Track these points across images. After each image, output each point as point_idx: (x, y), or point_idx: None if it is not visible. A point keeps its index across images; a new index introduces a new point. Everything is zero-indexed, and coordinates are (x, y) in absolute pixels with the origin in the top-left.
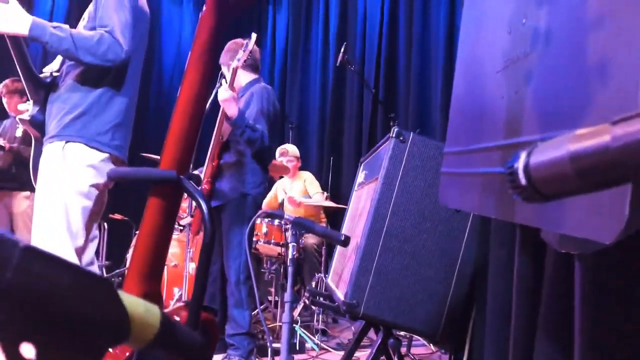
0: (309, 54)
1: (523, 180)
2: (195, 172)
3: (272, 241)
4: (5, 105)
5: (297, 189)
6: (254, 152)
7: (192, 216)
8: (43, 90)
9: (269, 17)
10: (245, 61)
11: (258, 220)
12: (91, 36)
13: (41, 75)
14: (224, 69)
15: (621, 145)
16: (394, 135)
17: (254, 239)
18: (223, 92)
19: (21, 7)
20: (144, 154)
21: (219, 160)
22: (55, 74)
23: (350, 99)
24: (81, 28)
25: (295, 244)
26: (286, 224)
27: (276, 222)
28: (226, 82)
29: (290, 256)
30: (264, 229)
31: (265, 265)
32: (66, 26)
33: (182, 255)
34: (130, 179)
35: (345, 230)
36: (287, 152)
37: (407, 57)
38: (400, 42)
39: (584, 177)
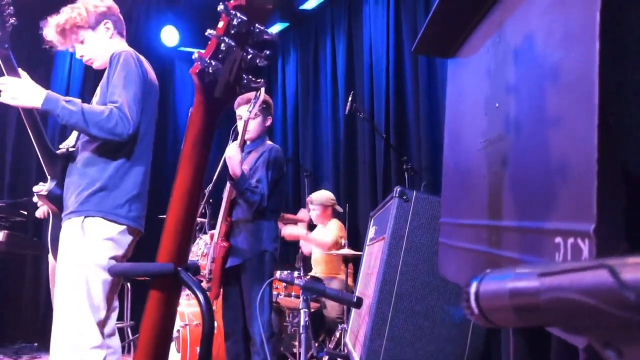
0: (319, 104)
1: (474, 307)
2: (212, 231)
3: (293, 294)
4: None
5: (321, 238)
6: (253, 213)
7: (209, 280)
8: (59, 165)
9: (278, 70)
10: (256, 113)
11: (277, 273)
12: (101, 111)
13: (58, 151)
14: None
15: (548, 298)
16: (397, 195)
17: (274, 292)
18: (231, 150)
19: (33, 82)
20: (162, 216)
21: (231, 218)
22: (71, 149)
23: (362, 145)
24: (94, 103)
25: (306, 310)
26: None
27: (295, 274)
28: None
29: (302, 322)
30: (284, 283)
31: (287, 318)
32: (78, 100)
33: None
34: (130, 274)
35: (359, 287)
36: (311, 201)
37: (415, 101)
38: (407, 87)
39: (520, 314)
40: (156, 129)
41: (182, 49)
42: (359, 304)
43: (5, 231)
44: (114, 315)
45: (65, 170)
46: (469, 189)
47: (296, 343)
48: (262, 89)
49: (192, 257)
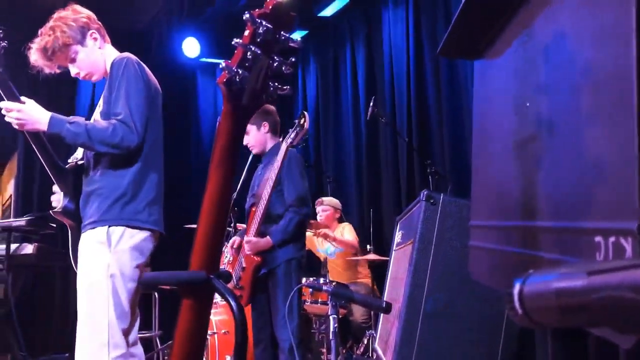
0: (340, 109)
1: (518, 307)
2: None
3: (320, 300)
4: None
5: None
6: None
7: (238, 287)
8: (70, 179)
9: (299, 77)
10: (270, 127)
11: (303, 280)
12: (105, 127)
13: (67, 166)
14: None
15: (597, 297)
16: (424, 199)
17: (301, 299)
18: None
19: (38, 105)
20: (187, 226)
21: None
22: (80, 162)
23: (384, 150)
24: (97, 114)
25: (335, 315)
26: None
27: (321, 280)
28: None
29: (332, 329)
30: (310, 289)
31: (315, 325)
32: (81, 119)
33: (231, 322)
34: (163, 283)
35: (387, 292)
36: (322, 202)
37: (437, 103)
38: (428, 90)
39: (566, 313)
40: (179, 139)
41: (203, 59)
42: (388, 309)
43: (35, 244)
44: (137, 323)
45: (77, 184)
46: (500, 190)
47: (324, 350)
48: (307, 117)
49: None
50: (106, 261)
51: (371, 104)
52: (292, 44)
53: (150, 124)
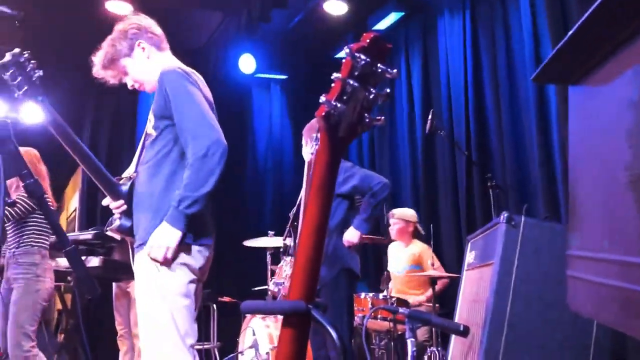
0: (395, 124)
1: None
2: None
3: (379, 316)
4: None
5: (406, 257)
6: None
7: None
8: (124, 197)
9: None
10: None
11: (362, 295)
12: (192, 174)
13: (120, 182)
14: (303, 142)
15: None
16: (504, 221)
17: (360, 314)
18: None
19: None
20: (245, 244)
21: None
22: (133, 175)
23: (442, 164)
24: (149, 128)
25: (413, 339)
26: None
27: (381, 296)
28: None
29: (410, 352)
30: (369, 304)
31: (374, 341)
32: (178, 193)
33: None
34: (263, 312)
35: (459, 314)
36: (393, 215)
37: (496, 116)
38: (487, 102)
39: None
40: (235, 154)
41: (258, 75)
42: (466, 333)
43: (101, 257)
44: (195, 337)
45: (131, 201)
46: (611, 223)
47: None
48: None
49: (276, 279)
50: (157, 284)
51: (429, 117)
52: (388, 75)
53: None
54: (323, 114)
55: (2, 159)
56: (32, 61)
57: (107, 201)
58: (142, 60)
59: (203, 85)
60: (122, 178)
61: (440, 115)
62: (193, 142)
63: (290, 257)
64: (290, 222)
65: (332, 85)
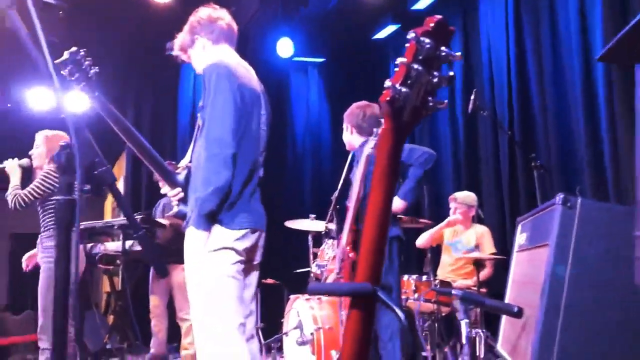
0: None
1: None
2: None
3: (423, 297)
4: (161, 188)
5: (466, 240)
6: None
7: (339, 277)
8: (182, 185)
9: (390, 73)
10: (355, 128)
11: (405, 277)
12: (202, 172)
13: (177, 170)
14: (344, 127)
15: None
16: (560, 202)
17: (403, 296)
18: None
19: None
20: (287, 225)
21: (357, 227)
22: (189, 165)
23: (484, 144)
24: (200, 118)
25: (467, 320)
26: (435, 283)
27: (424, 278)
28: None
29: (464, 333)
30: (413, 286)
31: (417, 322)
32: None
33: (335, 317)
34: (329, 294)
35: (510, 295)
36: (455, 199)
37: (540, 95)
38: (531, 81)
39: None
40: (273, 138)
41: (296, 59)
42: (520, 314)
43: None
44: (252, 319)
45: (187, 188)
46: None
47: (428, 347)
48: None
49: (319, 261)
50: (204, 264)
51: (472, 97)
52: (452, 59)
53: (241, 122)
54: (388, 98)
55: (78, 148)
56: (88, 58)
57: (165, 189)
58: (199, 52)
59: (248, 79)
60: (178, 167)
61: (482, 94)
62: (206, 142)
63: (332, 240)
64: (332, 205)
65: (396, 69)
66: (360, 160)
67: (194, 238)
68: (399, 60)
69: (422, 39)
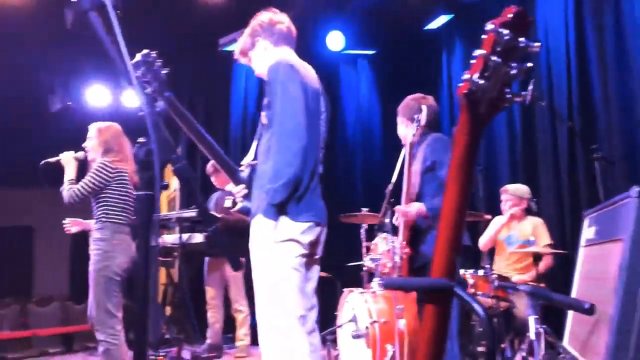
0: None
1: None
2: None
3: (480, 292)
4: (214, 182)
5: (520, 233)
6: None
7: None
8: (246, 181)
9: (443, 64)
10: (405, 121)
11: (462, 271)
12: (272, 165)
13: (241, 168)
14: (399, 121)
15: None
16: (636, 196)
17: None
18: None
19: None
20: (343, 218)
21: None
22: (252, 163)
23: (542, 135)
24: (263, 117)
25: (536, 316)
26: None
27: (480, 272)
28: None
29: (534, 330)
30: (471, 281)
31: (475, 317)
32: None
33: (390, 311)
34: (405, 289)
35: (577, 290)
36: (506, 190)
37: (602, 83)
38: (592, 69)
39: None
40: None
41: (346, 52)
42: (592, 311)
43: (204, 234)
44: (314, 313)
45: (251, 185)
46: None
47: (484, 343)
48: (425, 109)
49: (373, 255)
50: (269, 252)
51: (530, 87)
52: (530, 49)
53: (306, 117)
54: (465, 91)
55: (156, 145)
56: (159, 60)
57: (230, 186)
58: (260, 53)
59: (309, 78)
60: (241, 165)
61: (539, 84)
62: (277, 135)
63: (385, 234)
64: (387, 199)
65: (474, 61)
66: (415, 154)
67: (261, 227)
68: (477, 52)
69: (500, 30)
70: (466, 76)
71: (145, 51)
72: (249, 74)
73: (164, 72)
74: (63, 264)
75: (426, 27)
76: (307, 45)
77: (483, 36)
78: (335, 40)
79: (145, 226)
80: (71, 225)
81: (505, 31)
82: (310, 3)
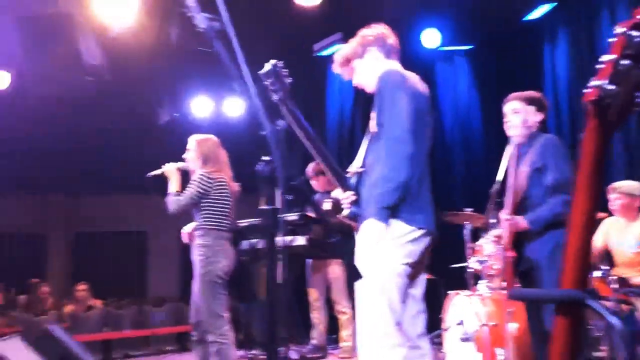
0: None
1: None
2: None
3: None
4: (313, 185)
5: (632, 234)
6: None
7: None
8: (353, 187)
9: (545, 55)
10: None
11: None
12: (382, 168)
13: (348, 174)
14: (519, 108)
15: None
16: None
17: None
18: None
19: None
20: (447, 216)
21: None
22: (360, 169)
23: None
24: (373, 125)
25: None
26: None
27: (597, 273)
28: None
29: None
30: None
31: (592, 321)
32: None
33: (500, 313)
34: (533, 300)
35: None
36: (614, 189)
37: None
38: None
39: None
40: None
41: (442, 48)
42: None
43: (307, 236)
44: (422, 317)
45: (357, 190)
46: None
47: (603, 348)
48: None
49: (479, 256)
50: (376, 256)
51: None
52: None
53: (414, 124)
54: (594, 98)
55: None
56: (285, 69)
57: (337, 192)
58: (370, 63)
59: (419, 87)
60: (348, 172)
61: None
62: (386, 141)
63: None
64: (492, 199)
65: (601, 67)
66: (523, 154)
67: (372, 230)
68: (605, 57)
69: (631, 32)
70: (595, 82)
71: (273, 60)
72: (343, 82)
73: (288, 81)
74: (173, 266)
75: (526, 18)
76: (402, 44)
77: (610, 39)
78: (430, 38)
79: (271, 236)
80: (183, 238)
81: (636, 33)
82: (403, 1)
